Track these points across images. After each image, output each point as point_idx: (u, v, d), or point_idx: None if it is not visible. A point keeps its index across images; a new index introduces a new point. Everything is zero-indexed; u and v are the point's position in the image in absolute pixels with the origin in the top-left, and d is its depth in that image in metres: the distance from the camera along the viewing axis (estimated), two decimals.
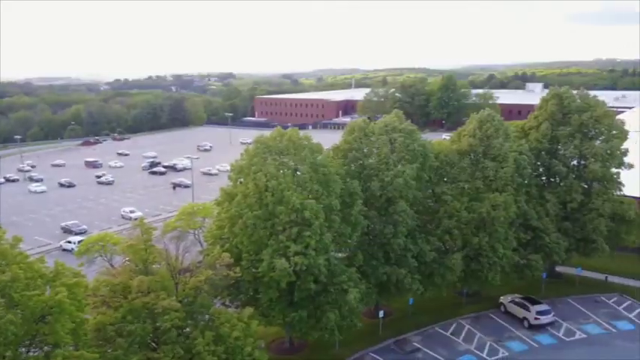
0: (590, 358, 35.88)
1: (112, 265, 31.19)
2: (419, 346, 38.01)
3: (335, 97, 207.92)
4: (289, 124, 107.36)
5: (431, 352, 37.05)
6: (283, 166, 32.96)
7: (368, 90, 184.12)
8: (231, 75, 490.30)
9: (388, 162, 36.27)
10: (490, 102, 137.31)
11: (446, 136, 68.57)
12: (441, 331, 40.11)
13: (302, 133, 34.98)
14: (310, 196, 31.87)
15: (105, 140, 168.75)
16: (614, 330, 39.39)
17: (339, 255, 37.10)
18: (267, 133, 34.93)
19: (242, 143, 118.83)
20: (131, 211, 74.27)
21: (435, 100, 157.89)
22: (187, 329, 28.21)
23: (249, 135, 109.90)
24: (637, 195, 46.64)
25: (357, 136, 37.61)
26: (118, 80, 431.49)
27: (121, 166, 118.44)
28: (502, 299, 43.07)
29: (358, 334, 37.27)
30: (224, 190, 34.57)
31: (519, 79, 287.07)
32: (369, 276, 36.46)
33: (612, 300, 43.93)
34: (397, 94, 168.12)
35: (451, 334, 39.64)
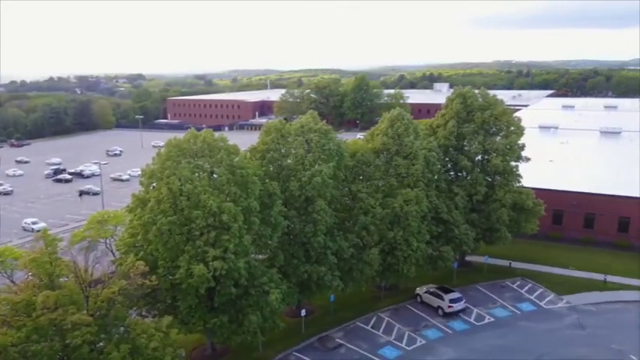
0: (498, 339, 38.38)
1: (12, 282, 28.85)
2: (341, 341, 38.72)
3: (251, 98, 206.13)
4: (204, 126, 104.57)
5: (353, 347, 37.88)
6: (198, 169, 32.19)
7: (284, 91, 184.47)
8: (140, 76, 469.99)
9: (305, 162, 36.61)
10: (401, 101, 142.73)
11: (360, 135, 70.32)
12: (362, 325, 41.13)
13: (217, 134, 34.35)
14: (228, 198, 31.39)
15: (1, 147, 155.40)
16: (518, 312, 42.44)
17: (260, 257, 36.92)
18: (180, 135, 33.93)
19: (154, 147, 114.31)
20: (33, 223, 69.06)
21: (349, 101, 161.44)
22: (101, 344, 26.75)
23: (161, 138, 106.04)
24: (534, 186, 50.52)
25: (274, 137, 37.59)
26: (13, 82, 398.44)
27: (20, 175, 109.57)
28: (418, 290, 44.96)
29: (281, 335, 37.33)
30: (136, 196, 33.12)
31: (427, 80, 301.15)
32: (290, 276, 36.62)
33: (516, 284, 47.33)
34: (312, 95, 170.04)
35: (372, 327, 40.77)
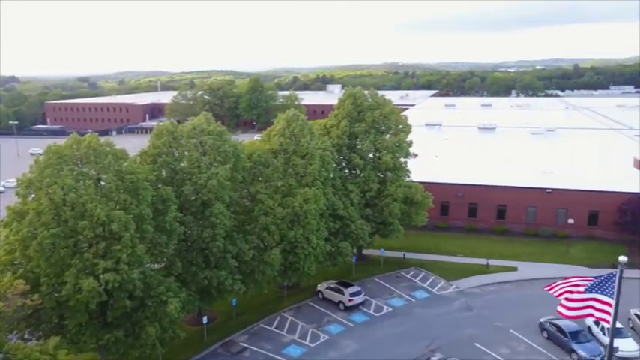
0: (396, 327, 40.27)
1: None
2: (245, 345, 38.34)
3: (140, 101, 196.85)
4: (88, 131, 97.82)
5: (257, 349, 37.67)
6: (83, 177, 30.07)
7: (175, 93, 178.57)
8: (14, 79, 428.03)
9: (200, 165, 35.73)
10: (296, 103, 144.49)
11: (257, 136, 70.06)
12: (266, 326, 41.05)
13: (104, 139, 32.35)
14: (117, 206, 29.71)
15: None
16: (413, 300, 44.85)
17: (156, 266, 35.39)
18: (62, 141, 31.48)
19: (32, 154, 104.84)
20: None
21: (244, 102, 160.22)
22: None
23: (41, 145, 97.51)
24: (422, 180, 53.67)
25: (165, 140, 36.21)
26: None
27: None
28: (319, 287, 45.82)
29: (182, 344, 36.14)
30: (12, 209, 30.14)
31: (320, 81, 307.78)
32: (190, 283, 35.57)
33: (410, 274, 49.99)
34: (206, 97, 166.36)
35: (275, 327, 40.84)
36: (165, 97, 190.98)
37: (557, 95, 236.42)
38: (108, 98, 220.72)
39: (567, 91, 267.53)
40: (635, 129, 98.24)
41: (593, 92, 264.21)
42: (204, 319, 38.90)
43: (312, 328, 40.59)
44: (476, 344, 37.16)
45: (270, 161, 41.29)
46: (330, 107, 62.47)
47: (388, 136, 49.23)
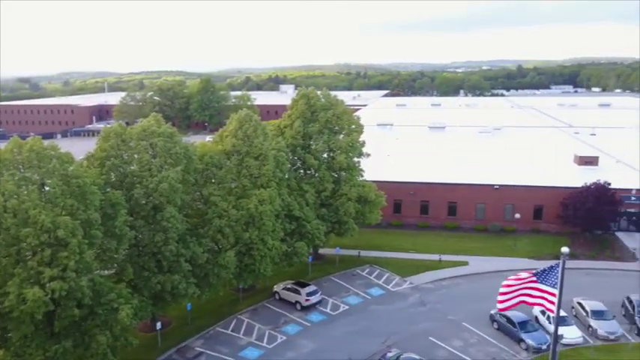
0: (352, 325, 40.66)
1: None
2: (201, 349, 37.72)
3: (86, 102, 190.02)
4: (31, 134, 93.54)
5: (214, 353, 37.13)
6: (26, 182, 28.69)
7: (124, 94, 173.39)
8: None
9: (151, 168, 34.86)
10: (249, 103, 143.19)
11: (210, 137, 69.01)
12: (222, 330, 40.53)
13: (48, 142, 31.01)
14: (64, 212, 28.51)
15: None
16: (369, 297, 45.40)
17: (106, 272, 34.28)
18: (1, 145, 29.98)
19: None
20: None
21: (196, 103, 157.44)
22: None
23: None
24: (375, 179, 54.45)
25: (113, 143, 35.09)
26: None
27: None
28: (276, 288, 45.65)
29: (136, 352, 35.13)
30: None
31: (273, 82, 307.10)
32: (142, 289, 34.66)
33: (365, 271, 50.58)
34: (156, 98, 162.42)
35: (232, 330, 40.38)
36: (113, 99, 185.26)
37: (502, 95, 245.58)
38: (52, 100, 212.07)
39: (512, 91, 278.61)
40: (574, 126, 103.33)
41: (536, 92, 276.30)
42: (158, 325, 38.00)
43: (269, 329, 40.39)
44: (430, 338, 38.03)
45: (223, 162, 40.79)
46: (283, 107, 62.43)
47: (341, 136, 49.65)
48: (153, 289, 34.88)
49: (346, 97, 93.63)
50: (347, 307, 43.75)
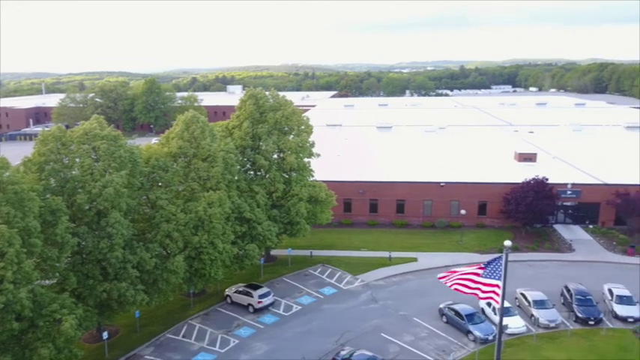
0: (305, 325, 40.71)
1: None
2: (151, 357, 36.69)
3: (23, 105, 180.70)
4: None
5: None
6: None
7: (63, 95, 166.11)
8: None
9: (94, 172, 33.60)
10: (196, 104, 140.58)
11: (155, 140, 67.37)
12: (173, 336, 39.61)
13: None
14: (0, 220, 27.08)
15: None
16: (322, 296, 45.61)
17: (47, 282, 32.73)
18: None
19: None
20: None
21: (140, 104, 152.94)
22: None
23: None
24: (325, 179, 54.81)
25: (52, 147, 33.57)
26: None
27: None
28: (227, 291, 45.07)
29: None
30: None
31: (220, 82, 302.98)
32: (87, 297, 33.36)
33: (317, 271, 50.79)
34: (98, 99, 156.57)
35: (183, 336, 39.53)
36: (52, 101, 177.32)
37: (446, 94, 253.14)
38: None
39: (455, 91, 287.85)
40: (514, 125, 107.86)
41: (478, 91, 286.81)
42: (105, 335, 36.67)
43: (221, 333, 39.83)
44: (382, 334, 38.66)
45: (170, 165, 39.86)
46: (231, 108, 61.73)
47: (291, 136, 49.63)
48: (98, 298, 33.63)
49: (295, 97, 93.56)
50: (300, 307, 43.77)
